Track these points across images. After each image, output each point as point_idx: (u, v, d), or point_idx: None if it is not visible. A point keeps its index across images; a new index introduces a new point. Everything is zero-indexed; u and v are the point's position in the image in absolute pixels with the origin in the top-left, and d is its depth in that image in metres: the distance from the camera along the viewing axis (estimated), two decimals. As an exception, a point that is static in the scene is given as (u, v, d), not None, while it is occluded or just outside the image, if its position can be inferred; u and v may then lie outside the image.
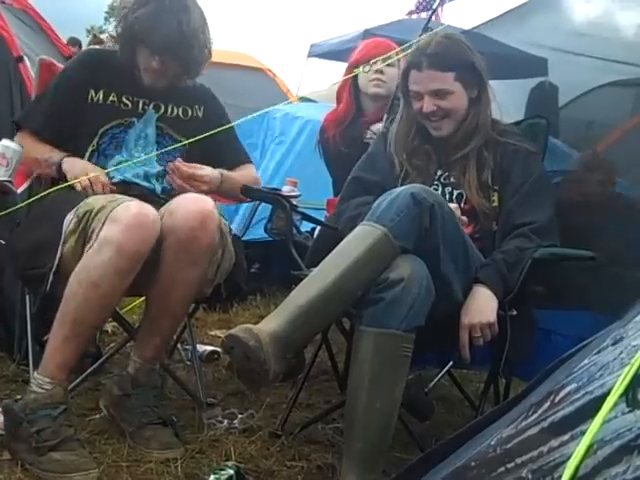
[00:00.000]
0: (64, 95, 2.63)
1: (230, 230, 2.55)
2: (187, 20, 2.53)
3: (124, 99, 2.62)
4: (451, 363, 2.25)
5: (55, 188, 2.43)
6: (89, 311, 2.15)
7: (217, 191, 2.64)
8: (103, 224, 2.17)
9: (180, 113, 2.70)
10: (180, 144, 2.64)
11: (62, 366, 2.16)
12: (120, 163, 2.58)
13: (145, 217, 2.18)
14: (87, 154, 2.57)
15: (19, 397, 2.22)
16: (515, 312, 2.21)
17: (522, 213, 2.35)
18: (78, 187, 2.40)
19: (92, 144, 2.57)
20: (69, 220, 2.27)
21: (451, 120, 2.45)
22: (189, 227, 2.25)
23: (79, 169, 2.46)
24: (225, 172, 2.63)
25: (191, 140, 2.60)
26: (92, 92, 2.60)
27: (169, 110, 2.68)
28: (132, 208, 2.19)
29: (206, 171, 2.58)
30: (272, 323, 1.95)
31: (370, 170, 2.57)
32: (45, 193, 2.44)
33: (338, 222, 2.49)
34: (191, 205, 2.30)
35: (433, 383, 2.19)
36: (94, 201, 2.29)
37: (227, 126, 2.74)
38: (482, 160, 2.45)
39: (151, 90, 2.63)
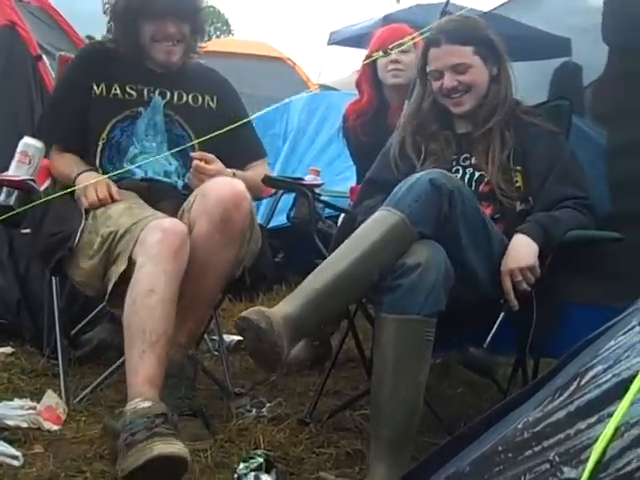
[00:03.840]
0: (66, 95, 2.65)
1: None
2: None
3: (128, 89, 2.61)
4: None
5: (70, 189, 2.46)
6: (154, 317, 2.09)
7: None
8: (133, 247, 2.19)
9: (190, 100, 2.68)
10: (195, 141, 2.61)
11: (147, 380, 2.04)
12: (135, 157, 2.59)
13: (173, 235, 2.18)
14: (99, 148, 2.58)
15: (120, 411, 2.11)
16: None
17: (563, 190, 2.34)
18: (85, 204, 2.42)
19: (102, 137, 2.58)
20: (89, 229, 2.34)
21: (472, 95, 2.46)
22: (223, 208, 2.25)
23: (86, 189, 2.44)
24: (238, 172, 2.57)
25: (206, 137, 2.55)
26: (94, 86, 2.60)
27: (176, 96, 2.66)
28: (157, 233, 2.18)
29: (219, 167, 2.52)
30: (286, 306, 1.97)
31: (385, 170, 2.55)
32: (63, 193, 2.46)
33: (353, 226, 2.48)
34: (224, 187, 2.30)
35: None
36: (117, 218, 2.31)
37: (242, 121, 2.69)
38: (504, 139, 2.43)
39: (155, 76, 2.62)
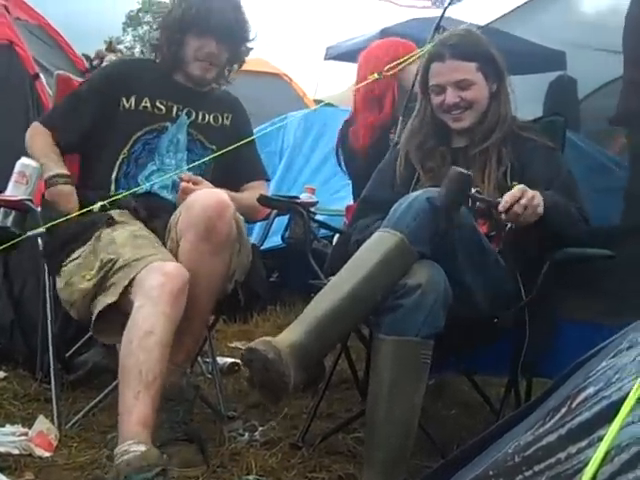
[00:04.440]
0: (86, 101, 2.64)
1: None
2: (238, 6, 2.66)
3: (158, 103, 2.64)
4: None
5: (73, 215, 2.44)
6: (151, 359, 2.06)
7: None
8: (130, 283, 2.17)
9: (211, 120, 2.72)
10: (212, 156, 2.64)
11: (140, 422, 2.00)
12: (152, 173, 2.61)
13: (174, 279, 2.16)
14: (118, 162, 2.58)
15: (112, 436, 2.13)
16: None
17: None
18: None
19: (124, 152, 2.59)
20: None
21: (473, 111, 2.44)
22: (207, 217, 2.25)
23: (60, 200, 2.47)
24: (232, 194, 2.53)
25: (221, 152, 2.60)
26: (124, 100, 2.62)
27: (200, 116, 2.70)
28: (159, 276, 2.16)
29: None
30: (290, 335, 1.94)
31: (380, 188, 2.55)
32: (63, 219, 2.42)
33: (348, 246, 2.47)
34: (207, 198, 2.30)
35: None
36: (120, 245, 2.30)
37: (251, 138, 2.76)
38: (501, 155, 2.42)
39: (185, 96, 2.66)
